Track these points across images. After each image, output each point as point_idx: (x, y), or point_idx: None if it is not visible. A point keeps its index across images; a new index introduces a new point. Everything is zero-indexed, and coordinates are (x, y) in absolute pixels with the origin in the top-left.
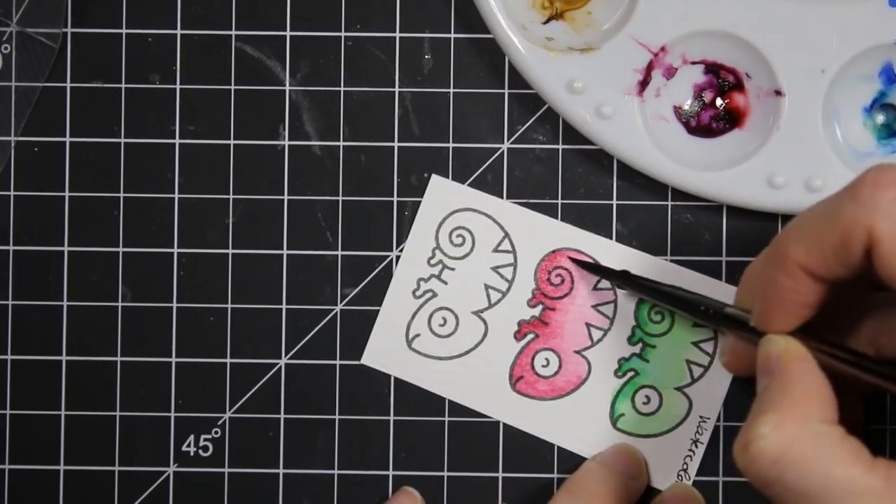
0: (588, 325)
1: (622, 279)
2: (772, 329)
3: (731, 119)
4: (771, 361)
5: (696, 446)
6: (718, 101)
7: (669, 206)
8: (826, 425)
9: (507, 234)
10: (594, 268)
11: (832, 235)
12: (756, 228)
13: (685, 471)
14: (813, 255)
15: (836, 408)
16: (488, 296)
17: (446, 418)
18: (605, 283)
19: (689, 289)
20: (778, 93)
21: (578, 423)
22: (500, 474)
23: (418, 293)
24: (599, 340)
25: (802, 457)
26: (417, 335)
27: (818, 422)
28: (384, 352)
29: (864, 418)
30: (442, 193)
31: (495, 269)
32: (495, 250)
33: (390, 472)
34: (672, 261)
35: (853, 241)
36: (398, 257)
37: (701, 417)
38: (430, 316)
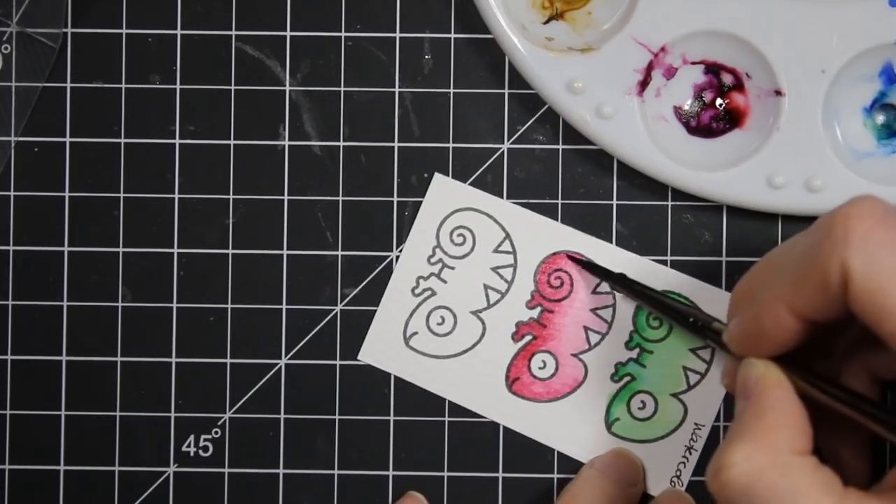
0: (586, 329)
1: (618, 282)
2: (750, 354)
3: (731, 119)
4: (749, 385)
5: (690, 453)
6: (718, 102)
7: (669, 206)
8: (797, 456)
9: (507, 235)
10: (592, 267)
11: (813, 275)
12: (756, 228)
13: (678, 477)
14: (799, 296)
15: (811, 437)
16: (487, 296)
17: (446, 418)
18: (604, 287)
19: (687, 293)
20: (778, 93)
21: (573, 427)
22: (500, 474)
23: (417, 291)
24: (597, 344)
25: (771, 488)
26: (415, 333)
27: (790, 452)
28: (381, 348)
29: (870, 445)
30: (444, 192)
31: (495, 269)
32: (496, 251)
33: (390, 472)
34: (672, 261)
35: (831, 280)
36: (398, 257)
37: (696, 424)
38: (429, 314)
